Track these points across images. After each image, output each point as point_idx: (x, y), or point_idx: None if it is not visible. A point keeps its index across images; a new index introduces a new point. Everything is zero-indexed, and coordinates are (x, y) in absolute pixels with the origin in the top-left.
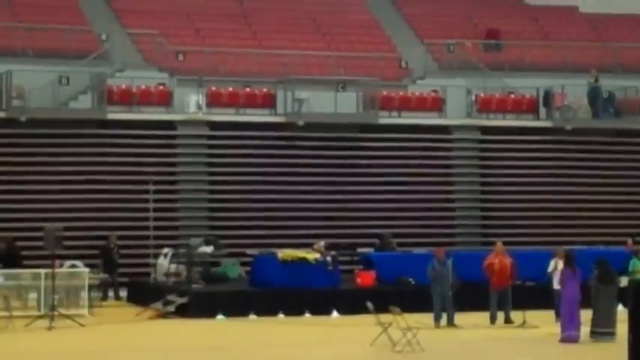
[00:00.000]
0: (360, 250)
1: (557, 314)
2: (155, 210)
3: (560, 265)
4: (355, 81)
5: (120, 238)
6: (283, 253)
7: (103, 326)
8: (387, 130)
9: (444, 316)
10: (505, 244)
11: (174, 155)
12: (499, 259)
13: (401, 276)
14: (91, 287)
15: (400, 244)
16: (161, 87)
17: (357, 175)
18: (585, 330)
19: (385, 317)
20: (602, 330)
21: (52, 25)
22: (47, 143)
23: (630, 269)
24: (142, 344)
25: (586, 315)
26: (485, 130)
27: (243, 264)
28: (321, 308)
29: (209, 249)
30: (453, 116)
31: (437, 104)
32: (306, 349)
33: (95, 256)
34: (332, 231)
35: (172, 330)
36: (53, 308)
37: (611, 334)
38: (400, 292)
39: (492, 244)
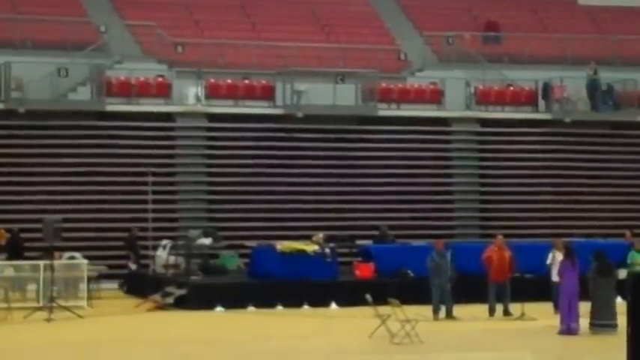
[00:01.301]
0: (358, 242)
1: (556, 306)
2: (154, 202)
3: (559, 257)
4: (354, 73)
5: (119, 229)
6: (282, 245)
7: (102, 318)
8: (386, 122)
9: (443, 308)
10: (504, 236)
11: (173, 147)
12: (498, 252)
13: (400, 268)
14: (89, 279)
15: (399, 236)
16: (160, 79)
17: (356, 167)
18: (584, 322)
19: (384, 309)
20: (602, 322)
21: (50, 17)
22: (46, 135)
23: (629, 261)
24: (141, 336)
25: (585, 307)
26: (484, 122)
27: (241, 256)
28: (319, 300)
29: (208, 241)
30: (452, 108)
31: (436, 96)
32: (305, 341)
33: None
34: (331, 223)
35: (171, 322)
36: (52, 300)
37: (612, 326)
38: (399, 284)
39: (491, 236)
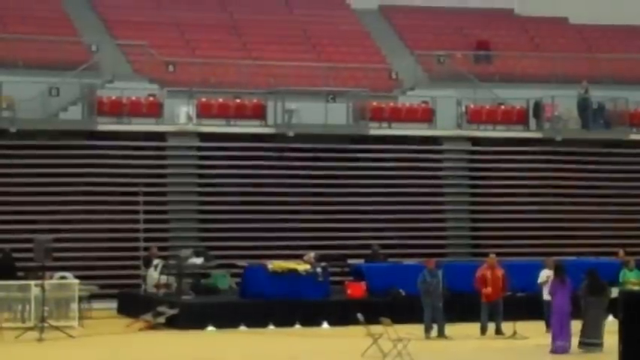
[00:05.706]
0: (350, 261)
1: (548, 325)
2: (145, 221)
3: (551, 275)
4: (345, 92)
5: (109, 249)
6: (273, 265)
7: (93, 338)
8: (378, 141)
9: (435, 327)
10: (495, 254)
11: (165, 166)
12: (491, 271)
13: (391, 287)
14: (80, 299)
15: (390, 255)
16: (151, 98)
17: (347, 186)
18: (575, 341)
19: (376, 328)
20: (589, 340)
21: (41, 37)
22: (37, 154)
23: (620, 280)
24: (132, 356)
25: (577, 326)
26: (475, 140)
27: (233, 275)
28: (311, 319)
29: (199, 260)
30: (443, 127)
31: (427, 115)
32: None
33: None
34: (322, 242)
35: (162, 341)
36: (43, 320)
37: (598, 345)
38: (390, 303)
39: (483, 254)
